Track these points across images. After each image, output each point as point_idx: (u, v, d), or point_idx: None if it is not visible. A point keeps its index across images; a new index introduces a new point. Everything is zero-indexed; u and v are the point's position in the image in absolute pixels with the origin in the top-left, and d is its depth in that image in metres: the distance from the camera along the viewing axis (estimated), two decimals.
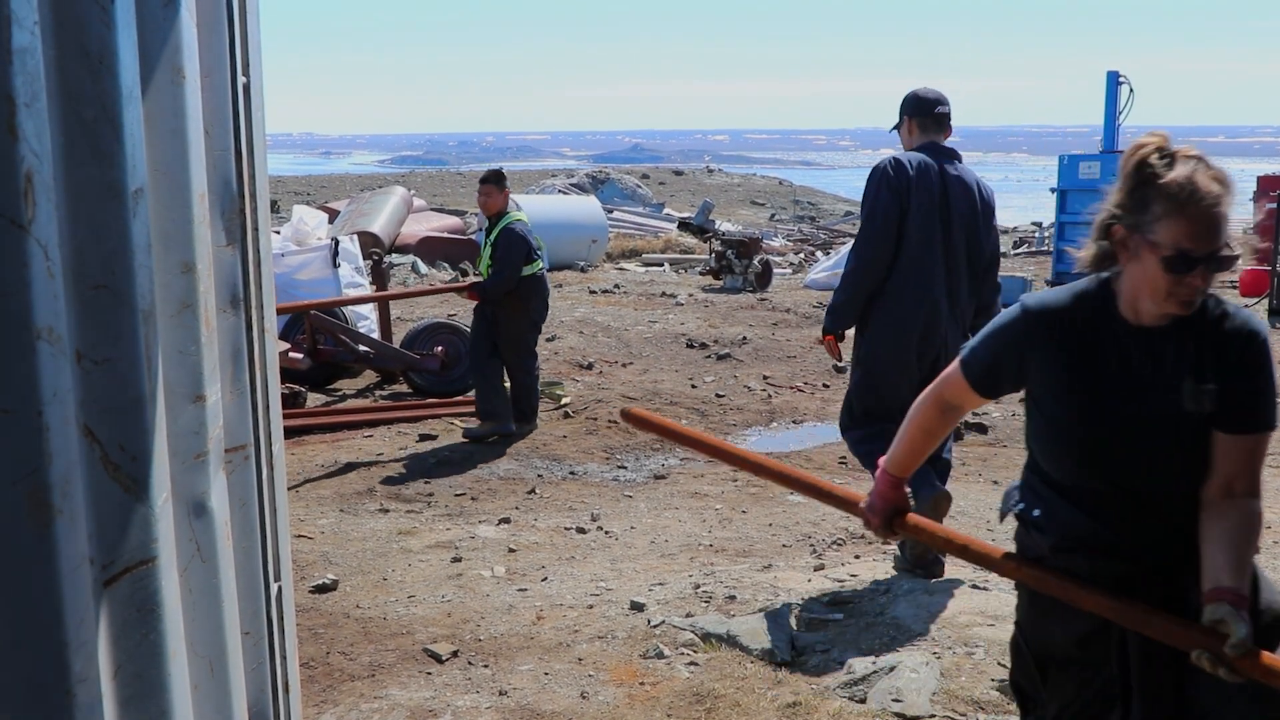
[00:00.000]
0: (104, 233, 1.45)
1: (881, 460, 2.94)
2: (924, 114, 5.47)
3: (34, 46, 1.27)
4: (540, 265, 9.14)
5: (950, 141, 5.55)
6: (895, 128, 5.65)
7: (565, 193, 34.58)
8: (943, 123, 5.49)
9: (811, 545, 6.51)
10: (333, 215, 19.40)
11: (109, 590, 1.50)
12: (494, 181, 9.25)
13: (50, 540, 1.30)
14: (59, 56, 1.38)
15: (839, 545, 6.53)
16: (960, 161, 5.47)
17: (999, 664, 4.37)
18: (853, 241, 5.52)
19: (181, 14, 1.73)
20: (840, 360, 5.58)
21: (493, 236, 9.02)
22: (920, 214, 5.27)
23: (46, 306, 1.29)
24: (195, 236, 1.78)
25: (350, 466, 8.20)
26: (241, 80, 2.10)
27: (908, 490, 2.96)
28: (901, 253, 5.30)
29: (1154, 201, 2.38)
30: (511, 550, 6.39)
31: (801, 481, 3.12)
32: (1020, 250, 29.88)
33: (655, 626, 4.97)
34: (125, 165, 1.48)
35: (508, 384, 9.29)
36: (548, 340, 13.06)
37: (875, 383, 5.50)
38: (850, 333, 5.60)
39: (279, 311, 8.51)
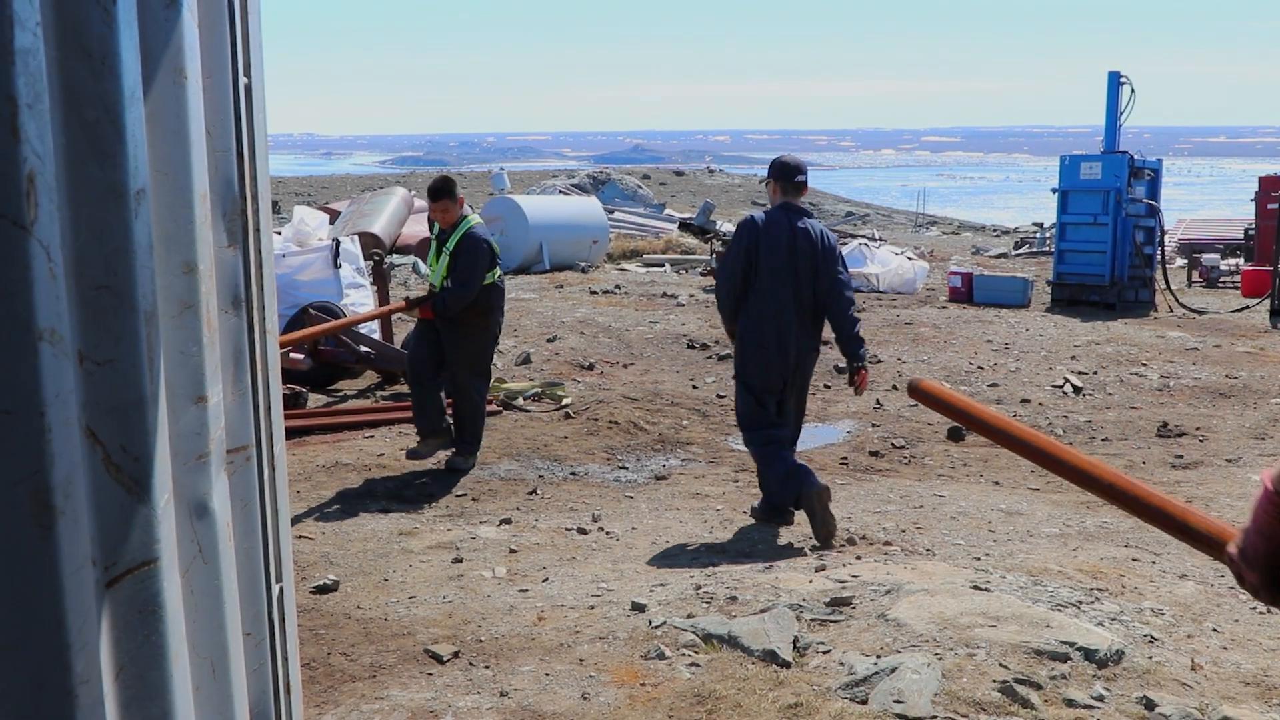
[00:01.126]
0: (106, 234, 1.45)
1: (1266, 476, 1.90)
2: (785, 180, 6.99)
3: (36, 48, 1.27)
4: (499, 272, 8.26)
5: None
6: (764, 183, 7.29)
7: (566, 193, 34.58)
8: (800, 188, 7.02)
9: (813, 546, 6.51)
10: (334, 216, 19.39)
11: (111, 591, 1.50)
12: (449, 194, 8.07)
13: (52, 542, 1.30)
14: (61, 57, 1.37)
15: (841, 546, 6.53)
16: (810, 217, 6.98)
17: (1000, 665, 4.37)
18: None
19: (183, 15, 1.72)
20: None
21: (451, 243, 8.03)
22: (770, 257, 6.81)
23: (49, 308, 1.29)
24: (197, 237, 1.77)
25: (351, 467, 8.19)
26: (243, 81, 2.10)
27: None
28: (757, 285, 6.85)
29: None
30: (512, 551, 6.39)
31: (1145, 503, 2.17)
32: (1021, 251, 29.88)
33: (656, 627, 4.97)
34: (127, 166, 1.47)
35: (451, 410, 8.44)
36: (548, 341, 13.05)
37: (755, 388, 6.99)
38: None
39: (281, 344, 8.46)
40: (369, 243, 16.09)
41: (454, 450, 8.28)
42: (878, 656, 4.49)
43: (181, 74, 1.72)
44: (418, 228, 20.61)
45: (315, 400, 10.37)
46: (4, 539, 1.27)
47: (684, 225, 28.61)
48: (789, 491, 6.71)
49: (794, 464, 6.82)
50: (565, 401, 10.37)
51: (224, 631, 1.90)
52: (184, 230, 1.75)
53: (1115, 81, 18.25)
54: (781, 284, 6.80)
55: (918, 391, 2.85)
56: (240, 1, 2.09)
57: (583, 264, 21.98)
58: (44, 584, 1.31)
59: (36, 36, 1.27)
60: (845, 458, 9.00)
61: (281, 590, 2.28)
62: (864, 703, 4.15)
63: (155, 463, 1.55)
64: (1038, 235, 33.15)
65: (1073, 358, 13.23)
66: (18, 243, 1.24)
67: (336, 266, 12.29)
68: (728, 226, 26.14)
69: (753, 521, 7.09)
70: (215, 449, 1.86)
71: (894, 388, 11.64)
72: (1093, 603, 5.14)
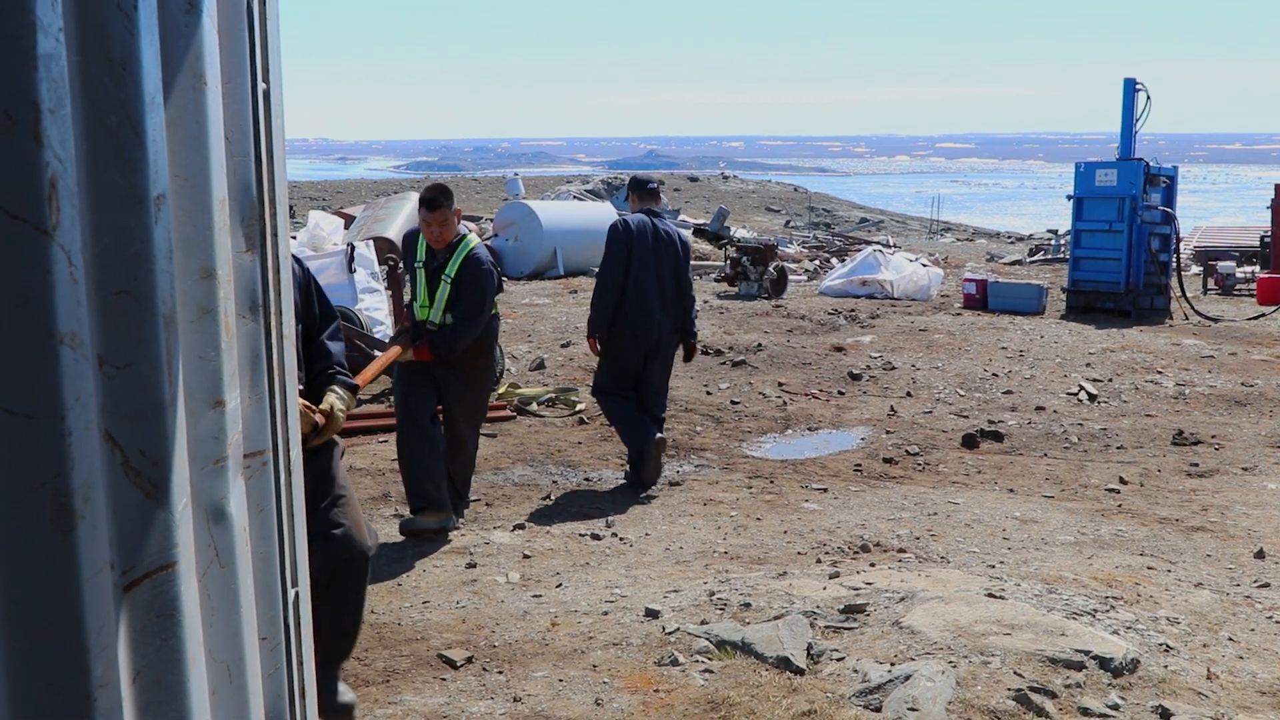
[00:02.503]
0: (126, 238, 1.45)
1: None
2: (641, 190, 8.43)
3: (59, 53, 1.27)
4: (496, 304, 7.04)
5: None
6: (625, 198, 8.83)
7: (580, 199, 34.63)
8: (654, 194, 8.48)
9: (827, 552, 6.50)
10: (348, 221, 19.44)
11: (129, 595, 1.50)
12: (448, 202, 6.69)
13: (72, 545, 1.31)
14: (83, 63, 1.38)
15: (854, 553, 6.51)
16: (664, 219, 8.38)
17: (1015, 673, 4.36)
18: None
19: (203, 20, 1.73)
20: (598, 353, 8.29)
21: (451, 269, 6.68)
22: (639, 257, 8.03)
23: (69, 312, 1.29)
24: (216, 242, 1.78)
25: (365, 472, 8.21)
26: (261, 86, 2.11)
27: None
28: (629, 283, 8.02)
29: None
30: (526, 556, 6.39)
31: None
32: (1036, 258, 29.80)
33: (670, 634, 4.97)
34: (147, 171, 1.48)
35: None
36: (562, 346, 13.06)
37: (620, 363, 8.18)
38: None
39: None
40: (384, 248, 16.14)
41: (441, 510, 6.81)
42: (892, 664, 4.48)
43: (201, 80, 1.73)
44: None
45: None
46: (24, 542, 1.27)
47: (698, 231, 28.62)
48: (635, 441, 8.11)
49: (637, 418, 8.19)
50: (579, 407, 10.37)
51: (240, 636, 1.90)
52: (203, 235, 1.75)
53: (1131, 88, 18.22)
54: (648, 276, 8.06)
55: None
56: (259, 7, 2.09)
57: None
58: (63, 587, 1.31)
59: (59, 42, 1.27)
60: (859, 464, 8.98)
61: (297, 595, 2.28)
62: (878, 710, 4.14)
63: (173, 467, 1.56)
64: (1053, 242, 33.06)
65: (1088, 365, 13.18)
66: (40, 247, 1.24)
67: (351, 271, 12.33)
68: (742, 233, 26.13)
69: (765, 527, 7.08)
70: (232, 454, 1.87)
71: (908, 394, 11.62)
72: (1108, 611, 5.12)
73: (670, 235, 8.25)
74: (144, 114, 1.47)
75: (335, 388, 4.30)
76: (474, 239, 6.88)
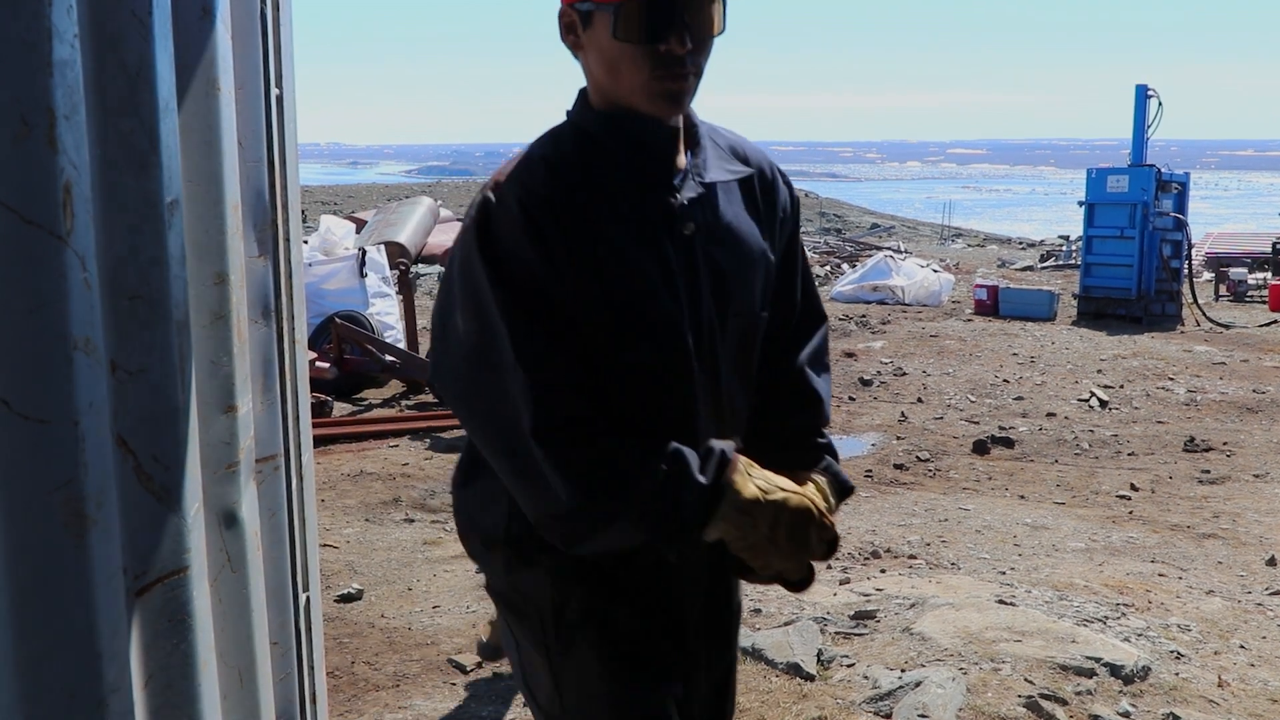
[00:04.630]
0: (140, 244, 1.46)
1: None
2: None
3: (74, 59, 1.28)
4: None
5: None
6: None
7: None
8: None
9: (837, 558, 6.49)
10: (360, 225, 19.44)
11: (141, 600, 1.51)
12: None
13: (85, 550, 1.31)
14: (98, 69, 1.39)
15: (865, 559, 6.50)
16: None
17: (1025, 680, 4.34)
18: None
19: (217, 27, 1.74)
20: None
21: None
22: None
23: (83, 317, 1.30)
24: (229, 247, 1.78)
25: (375, 476, 8.21)
26: (274, 92, 2.11)
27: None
28: None
29: None
30: None
31: None
32: (1047, 264, 29.72)
33: None
34: (161, 177, 1.49)
35: None
36: None
37: None
38: None
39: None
40: (395, 252, 16.16)
41: None
42: (902, 670, 4.47)
43: (214, 85, 1.73)
44: (443, 237, 20.63)
45: (340, 409, 10.40)
46: (38, 547, 1.28)
47: None
48: None
49: None
50: None
51: (251, 640, 1.90)
52: (216, 240, 1.76)
53: (1142, 94, 18.18)
54: None
55: None
56: (272, 13, 2.10)
57: None
58: (76, 592, 1.32)
59: (74, 49, 1.28)
60: (870, 470, 8.96)
61: (308, 599, 2.29)
62: (888, 717, 4.13)
63: (186, 472, 1.56)
64: (1064, 248, 32.97)
65: (1099, 371, 13.15)
66: (54, 253, 1.25)
67: (362, 276, 12.35)
68: None
69: None
70: (244, 458, 1.87)
71: (919, 400, 11.60)
72: (1119, 618, 5.11)
73: None
74: (158, 120, 1.48)
75: (825, 483, 2.17)
76: None
